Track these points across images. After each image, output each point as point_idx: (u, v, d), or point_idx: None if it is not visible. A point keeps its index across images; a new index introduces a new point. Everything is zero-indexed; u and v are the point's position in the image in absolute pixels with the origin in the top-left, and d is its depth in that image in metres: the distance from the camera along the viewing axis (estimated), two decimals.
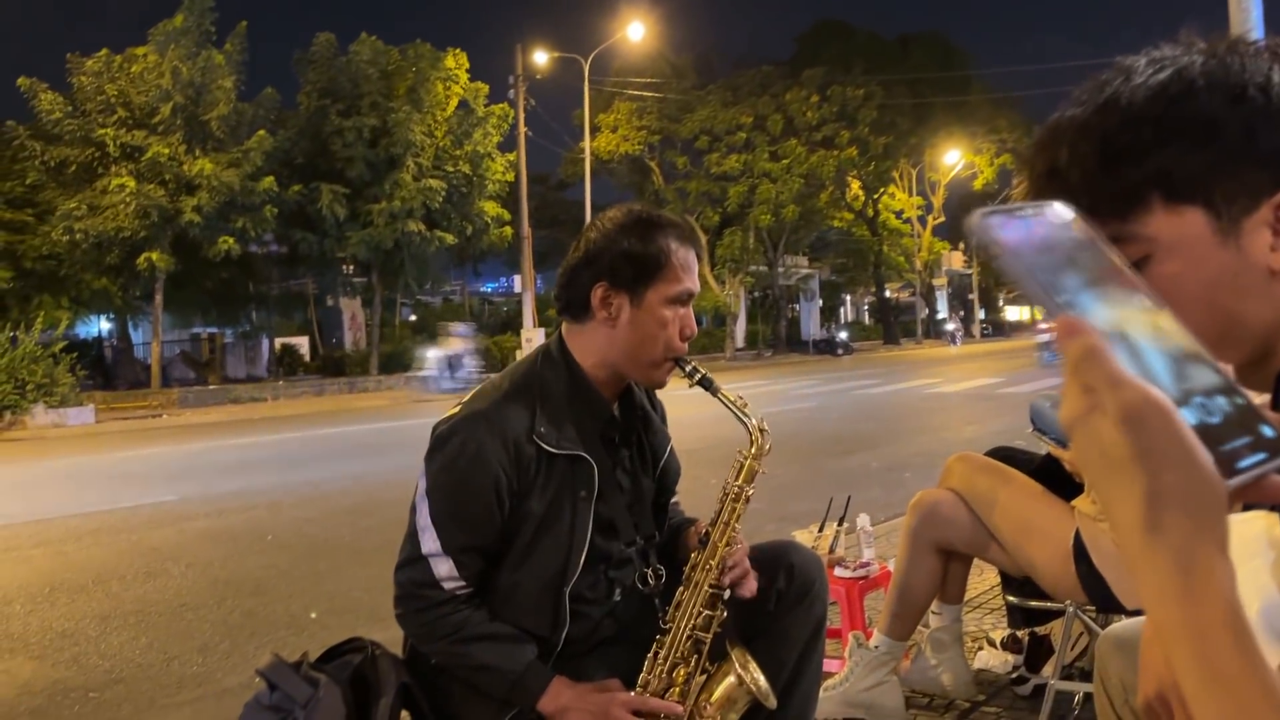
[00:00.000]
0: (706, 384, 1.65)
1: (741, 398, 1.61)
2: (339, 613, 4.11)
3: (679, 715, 1.47)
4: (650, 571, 1.67)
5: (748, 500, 1.56)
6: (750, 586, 1.58)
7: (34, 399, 15.84)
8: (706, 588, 1.52)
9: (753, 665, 1.49)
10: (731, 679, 1.46)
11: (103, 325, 30.07)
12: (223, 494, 7.58)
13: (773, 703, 1.47)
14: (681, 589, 1.54)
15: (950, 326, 38.94)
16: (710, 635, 1.51)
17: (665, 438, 1.76)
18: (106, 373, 26.04)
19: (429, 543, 1.57)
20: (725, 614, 1.54)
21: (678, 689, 1.49)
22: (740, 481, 1.56)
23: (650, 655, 1.52)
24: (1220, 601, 0.46)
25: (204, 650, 3.74)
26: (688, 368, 1.64)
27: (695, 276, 1.66)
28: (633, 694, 1.49)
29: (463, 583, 1.58)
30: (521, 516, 1.57)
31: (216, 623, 4.11)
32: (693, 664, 1.50)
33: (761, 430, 1.57)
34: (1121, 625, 1.20)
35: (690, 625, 1.51)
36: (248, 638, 3.86)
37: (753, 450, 1.57)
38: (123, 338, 28.27)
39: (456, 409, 1.63)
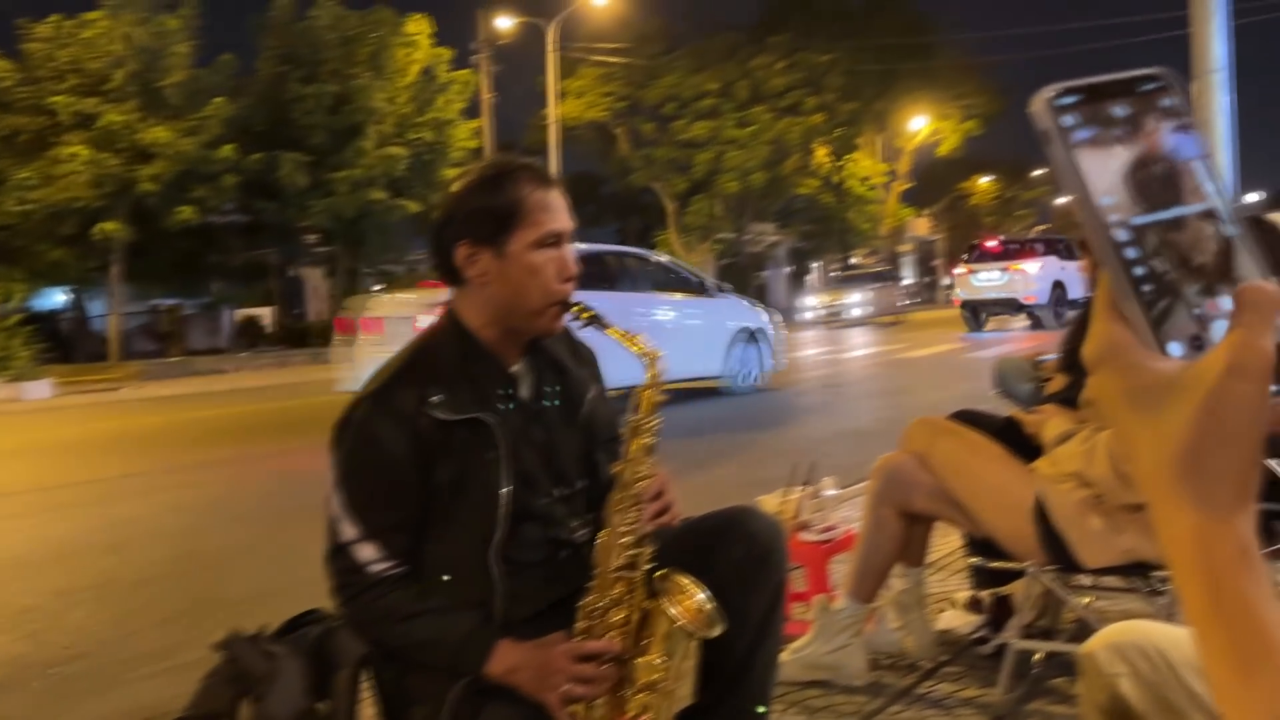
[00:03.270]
0: (595, 321, 1.65)
1: (632, 331, 1.60)
2: (306, 583, 4.06)
3: (616, 651, 1.47)
4: (578, 521, 1.67)
5: (654, 432, 1.56)
6: (670, 518, 1.59)
7: None
8: (622, 526, 1.51)
9: (690, 597, 1.47)
10: (664, 616, 1.45)
11: (59, 298, 29.51)
12: (186, 466, 7.50)
13: (717, 631, 1.46)
14: (602, 532, 1.53)
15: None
16: (639, 573, 1.50)
17: (586, 385, 1.75)
18: (64, 345, 25.59)
19: (349, 530, 1.58)
20: (650, 550, 1.53)
21: (617, 632, 1.48)
22: (641, 414, 1.55)
23: (583, 603, 1.51)
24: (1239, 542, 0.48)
25: (166, 624, 3.70)
26: (574, 308, 1.63)
27: (560, 215, 1.62)
28: (574, 641, 1.49)
29: (390, 563, 1.58)
30: (433, 488, 1.58)
31: (179, 596, 4.07)
32: (627, 605, 1.49)
33: (654, 359, 1.56)
34: (1108, 631, 1.20)
35: (615, 566, 1.50)
36: (211, 611, 3.82)
37: (648, 380, 1.55)
38: (80, 310, 27.78)
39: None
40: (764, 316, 11.07)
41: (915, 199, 46.46)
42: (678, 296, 10.33)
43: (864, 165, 40.93)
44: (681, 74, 33.01)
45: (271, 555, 4.68)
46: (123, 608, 3.94)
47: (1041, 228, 47.09)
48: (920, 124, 40.10)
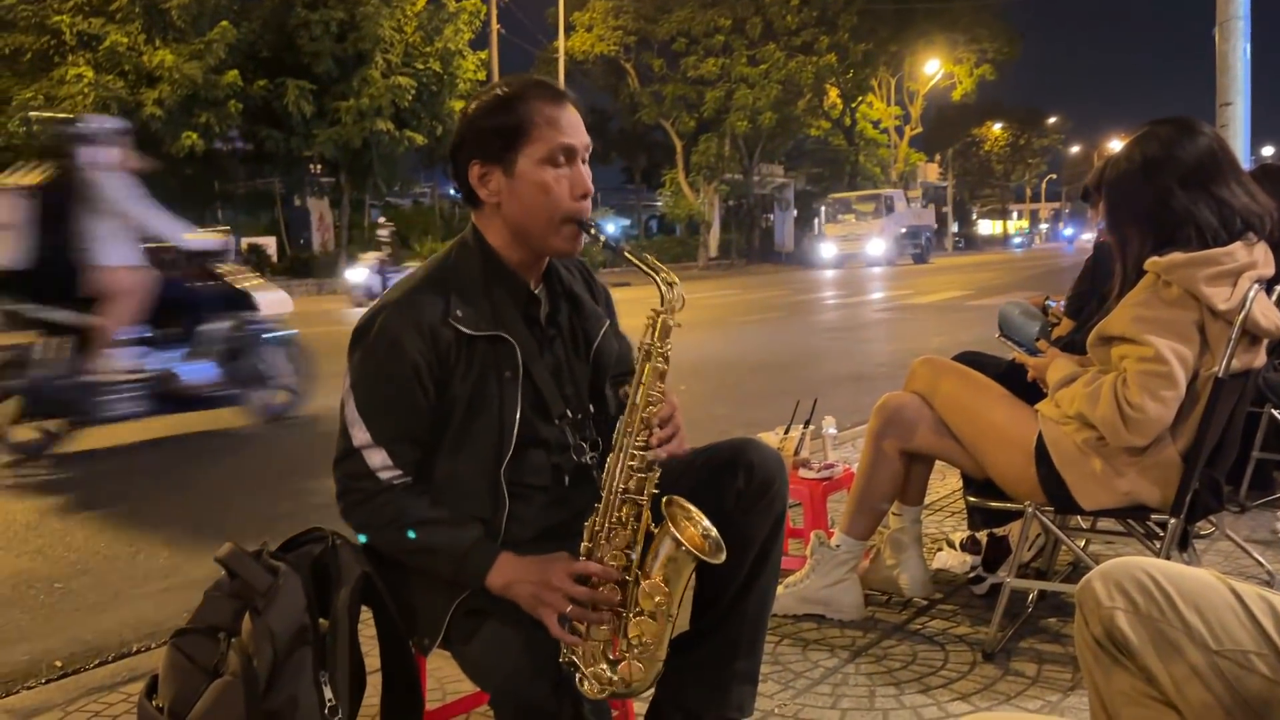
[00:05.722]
0: (611, 244, 1.64)
1: (649, 256, 1.58)
2: (312, 509, 4.11)
3: (615, 575, 1.48)
4: (586, 444, 1.68)
5: (666, 358, 1.54)
6: (678, 445, 1.58)
7: None
8: (631, 449, 1.51)
9: (694, 524, 1.48)
10: (669, 541, 1.46)
11: None
12: None
13: (721, 558, 1.47)
14: (611, 455, 1.53)
15: None
16: (645, 497, 1.50)
17: (600, 319, 1.75)
18: None
19: (360, 435, 1.58)
20: (658, 475, 1.52)
21: (621, 554, 1.49)
22: (654, 339, 1.54)
23: (588, 524, 1.52)
24: None
25: (170, 543, 3.74)
26: (591, 230, 1.61)
27: (572, 130, 1.59)
28: (575, 561, 1.49)
29: (399, 472, 1.58)
30: (448, 402, 1.58)
31: (184, 519, 4.11)
32: (631, 528, 1.50)
33: (670, 284, 1.54)
34: (1106, 565, 1.19)
35: (621, 489, 1.50)
36: (215, 532, 3.86)
37: (664, 306, 1.54)
38: None
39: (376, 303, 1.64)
40: None
41: (926, 144, 45.98)
42: None
43: (876, 108, 40.41)
44: (693, 9, 32.42)
45: (277, 481, 4.71)
46: (128, 527, 3.98)
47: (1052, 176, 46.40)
48: (934, 67, 39.46)
